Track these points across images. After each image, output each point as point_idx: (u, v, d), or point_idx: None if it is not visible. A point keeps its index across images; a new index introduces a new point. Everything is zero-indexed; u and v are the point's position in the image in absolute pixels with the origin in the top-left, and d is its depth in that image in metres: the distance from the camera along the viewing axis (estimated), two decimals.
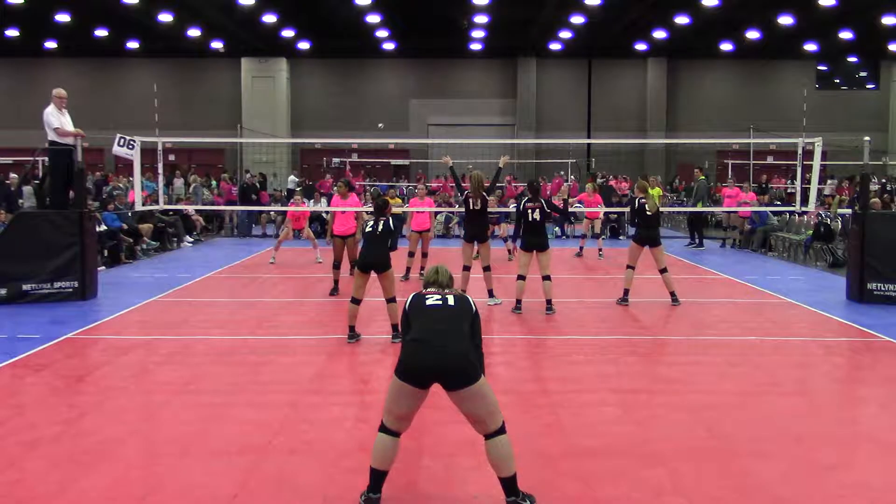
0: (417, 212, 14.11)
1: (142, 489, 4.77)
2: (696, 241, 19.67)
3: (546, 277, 10.34)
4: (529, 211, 10.43)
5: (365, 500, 4.48)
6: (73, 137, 11.28)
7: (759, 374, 7.58)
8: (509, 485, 4.36)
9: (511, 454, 4.37)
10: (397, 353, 8.49)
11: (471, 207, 10.96)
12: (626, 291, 10.97)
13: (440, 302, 4.58)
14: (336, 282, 11.88)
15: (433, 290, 4.74)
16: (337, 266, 11.95)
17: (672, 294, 10.90)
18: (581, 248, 17.27)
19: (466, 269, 11.01)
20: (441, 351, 4.33)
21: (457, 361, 4.31)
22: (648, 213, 11.05)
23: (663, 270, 10.99)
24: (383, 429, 4.49)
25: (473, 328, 4.55)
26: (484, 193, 10.93)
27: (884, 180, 25.45)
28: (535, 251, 10.42)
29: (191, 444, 5.55)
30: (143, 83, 31.94)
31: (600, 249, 17.00)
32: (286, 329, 9.45)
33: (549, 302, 10.32)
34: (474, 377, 4.30)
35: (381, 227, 8.72)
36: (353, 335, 8.68)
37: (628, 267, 11.05)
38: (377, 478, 4.46)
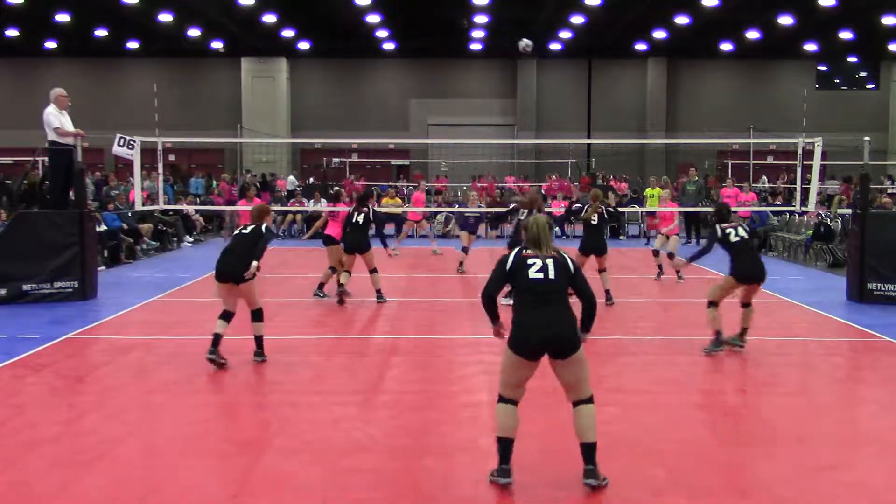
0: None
1: (142, 489, 4.77)
2: (695, 240, 19.71)
3: (372, 271, 11.18)
4: (356, 213, 11.11)
5: (500, 472, 4.74)
6: (73, 137, 11.28)
7: (759, 374, 7.58)
8: (590, 451, 4.74)
9: (595, 423, 4.78)
10: (397, 352, 8.52)
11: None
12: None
13: (542, 275, 4.79)
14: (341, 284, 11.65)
15: (532, 252, 4.89)
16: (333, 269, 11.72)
17: (607, 292, 10.97)
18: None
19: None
20: (549, 329, 4.70)
21: (564, 336, 4.72)
22: (593, 221, 11.22)
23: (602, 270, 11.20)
24: (502, 399, 4.84)
25: (577, 284, 4.86)
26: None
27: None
28: (356, 252, 11.03)
29: (191, 444, 5.55)
30: (143, 83, 31.92)
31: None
32: (286, 329, 9.44)
33: (378, 292, 11.13)
34: (578, 345, 4.74)
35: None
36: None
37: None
38: (506, 446, 4.76)
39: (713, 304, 8.17)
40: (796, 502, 4.71)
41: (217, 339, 7.49)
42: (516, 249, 4.98)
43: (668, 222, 13.86)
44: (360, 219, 11.05)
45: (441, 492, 4.80)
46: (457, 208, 22.30)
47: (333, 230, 11.78)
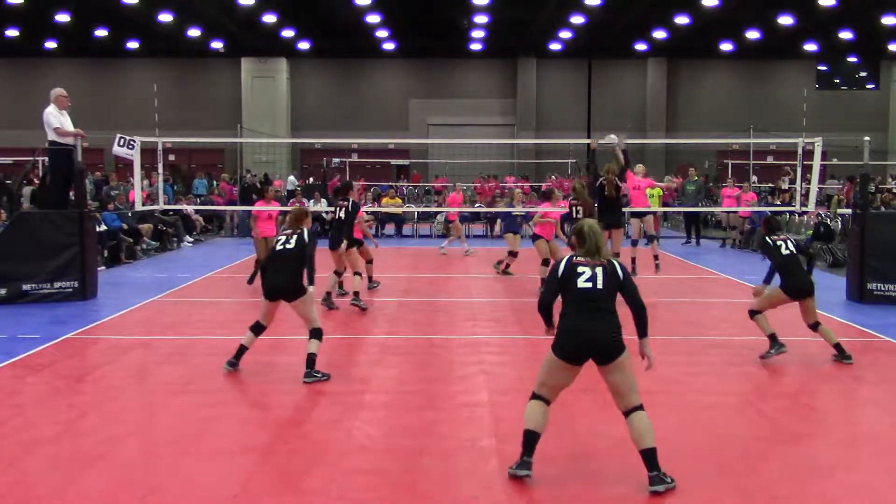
0: (266, 216, 12.47)
1: (142, 489, 4.77)
2: (695, 240, 19.72)
3: (355, 273, 10.81)
4: (337, 208, 10.81)
5: (520, 464, 4.85)
6: (73, 137, 11.27)
7: (759, 374, 7.58)
8: (650, 457, 4.77)
9: (651, 428, 4.82)
10: (397, 352, 8.51)
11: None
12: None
13: (590, 284, 4.89)
14: (340, 284, 11.51)
15: (583, 259, 4.98)
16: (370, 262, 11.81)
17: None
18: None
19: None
20: (590, 335, 4.84)
21: (604, 342, 4.83)
22: (606, 194, 11.17)
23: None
24: (535, 397, 4.98)
25: (627, 290, 4.98)
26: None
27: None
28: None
29: (191, 444, 5.55)
30: (143, 83, 31.95)
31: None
32: (286, 329, 9.43)
33: (356, 294, 10.64)
34: (619, 351, 4.85)
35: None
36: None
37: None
38: (532, 439, 4.89)
39: (756, 312, 8.01)
40: (796, 502, 4.71)
41: (242, 351, 7.29)
42: (568, 256, 5.07)
43: (641, 193, 13.34)
44: (342, 213, 10.63)
45: (441, 492, 4.80)
46: (462, 207, 22.31)
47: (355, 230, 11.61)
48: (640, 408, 4.88)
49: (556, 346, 4.92)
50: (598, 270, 4.91)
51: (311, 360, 7.11)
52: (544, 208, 12.73)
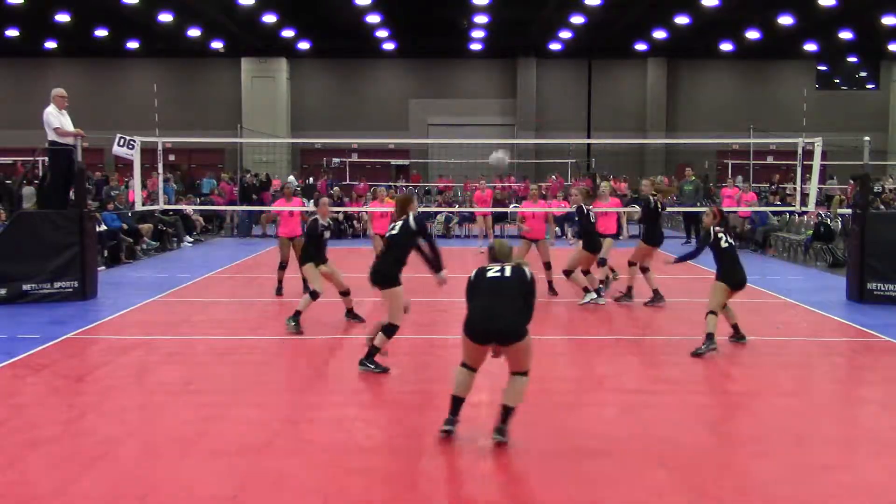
0: (288, 215, 12.04)
1: (142, 489, 4.77)
2: (694, 240, 19.71)
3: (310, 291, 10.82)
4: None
5: (447, 422, 5.46)
6: (73, 137, 11.27)
7: (759, 374, 7.58)
8: (506, 413, 5.39)
9: (522, 392, 5.44)
10: (397, 352, 8.53)
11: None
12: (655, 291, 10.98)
13: (499, 274, 5.52)
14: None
15: (495, 264, 5.62)
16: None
17: (655, 292, 10.85)
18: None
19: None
20: (496, 320, 5.35)
21: (509, 326, 5.34)
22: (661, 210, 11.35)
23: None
24: (464, 365, 5.52)
25: (529, 292, 5.52)
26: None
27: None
28: None
29: (191, 444, 5.55)
30: (143, 83, 31.91)
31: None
32: (286, 329, 9.43)
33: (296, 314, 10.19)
34: (522, 335, 5.34)
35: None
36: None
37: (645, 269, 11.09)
38: (458, 404, 5.52)
39: (714, 313, 8.13)
40: (796, 502, 4.71)
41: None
42: (479, 267, 5.69)
43: (610, 220, 12.00)
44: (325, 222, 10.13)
45: (441, 492, 4.80)
46: (456, 208, 22.33)
47: (381, 228, 11.56)
48: (525, 374, 5.42)
49: (465, 326, 5.44)
50: (507, 267, 5.54)
51: (371, 351, 7.32)
52: (525, 208, 12.63)
